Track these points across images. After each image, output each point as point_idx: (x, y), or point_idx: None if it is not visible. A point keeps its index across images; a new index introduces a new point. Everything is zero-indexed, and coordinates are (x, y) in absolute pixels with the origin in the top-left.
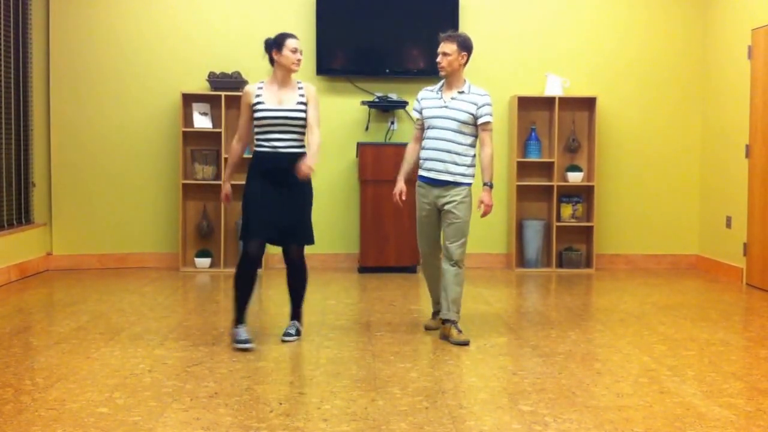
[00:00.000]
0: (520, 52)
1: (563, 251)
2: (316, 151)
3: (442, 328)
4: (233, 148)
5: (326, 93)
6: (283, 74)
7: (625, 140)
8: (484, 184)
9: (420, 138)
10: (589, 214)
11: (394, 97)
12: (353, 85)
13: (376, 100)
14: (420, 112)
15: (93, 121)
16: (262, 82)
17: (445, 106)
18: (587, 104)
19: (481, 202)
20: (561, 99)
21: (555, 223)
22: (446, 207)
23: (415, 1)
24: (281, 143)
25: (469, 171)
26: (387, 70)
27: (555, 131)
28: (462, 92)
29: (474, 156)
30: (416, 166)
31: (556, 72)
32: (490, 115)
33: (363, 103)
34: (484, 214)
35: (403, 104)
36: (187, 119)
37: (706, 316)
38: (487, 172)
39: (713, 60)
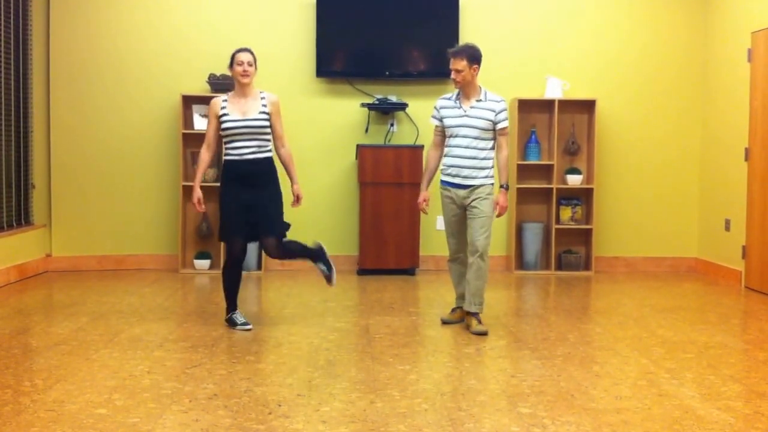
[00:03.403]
0: (520, 54)
1: (562, 254)
2: (293, 169)
3: (466, 318)
4: (202, 156)
5: (326, 95)
6: (239, 86)
7: (625, 143)
8: (501, 186)
9: (440, 144)
10: (588, 217)
11: (393, 99)
12: (353, 87)
13: (376, 102)
14: (440, 120)
15: (93, 123)
16: (227, 94)
17: (465, 115)
18: (587, 107)
19: (497, 203)
20: (561, 102)
21: (554, 226)
22: (472, 203)
23: (416, 4)
24: (246, 150)
25: (491, 173)
26: (387, 73)
27: (555, 134)
28: (479, 100)
29: (493, 159)
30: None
31: (556, 75)
32: (507, 120)
33: (363, 105)
34: (500, 215)
35: (402, 106)
36: (187, 121)
37: (705, 318)
38: (504, 174)
39: (713, 63)
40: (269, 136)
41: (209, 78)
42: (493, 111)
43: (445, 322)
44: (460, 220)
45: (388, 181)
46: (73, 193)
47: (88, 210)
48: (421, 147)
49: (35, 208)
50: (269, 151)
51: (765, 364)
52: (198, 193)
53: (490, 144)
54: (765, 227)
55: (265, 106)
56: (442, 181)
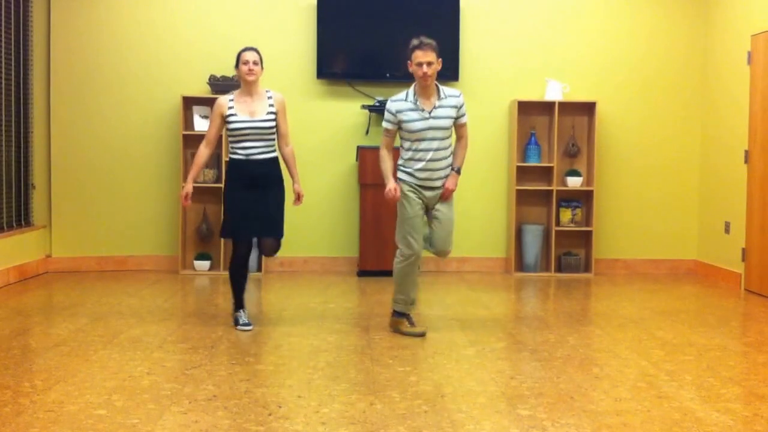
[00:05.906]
0: (520, 56)
1: (562, 256)
2: (296, 167)
3: (398, 321)
4: (201, 152)
5: (326, 97)
6: (245, 85)
7: (625, 145)
8: (452, 169)
9: (392, 146)
10: (588, 219)
11: None
12: (354, 89)
13: (377, 104)
14: (398, 125)
15: (93, 124)
16: (233, 93)
17: (431, 118)
18: (587, 109)
19: (445, 186)
20: (561, 104)
21: (554, 228)
22: (437, 206)
23: (416, 6)
24: (254, 150)
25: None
26: (387, 74)
27: (555, 136)
28: (441, 98)
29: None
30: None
31: (556, 77)
32: (466, 112)
33: (363, 107)
34: (443, 198)
35: None
36: (188, 122)
37: (705, 321)
38: (460, 159)
39: (713, 65)
40: (275, 136)
41: (210, 79)
42: (455, 107)
43: (407, 334)
44: (422, 219)
45: None
46: (73, 193)
47: (88, 211)
48: None
49: (35, 208)
50: (275, 150)
51: (764, 367)
52: (189, 188)
53: (450, 140)
54: (765, 230)
55: (272, 105)
56: (408, 183)
